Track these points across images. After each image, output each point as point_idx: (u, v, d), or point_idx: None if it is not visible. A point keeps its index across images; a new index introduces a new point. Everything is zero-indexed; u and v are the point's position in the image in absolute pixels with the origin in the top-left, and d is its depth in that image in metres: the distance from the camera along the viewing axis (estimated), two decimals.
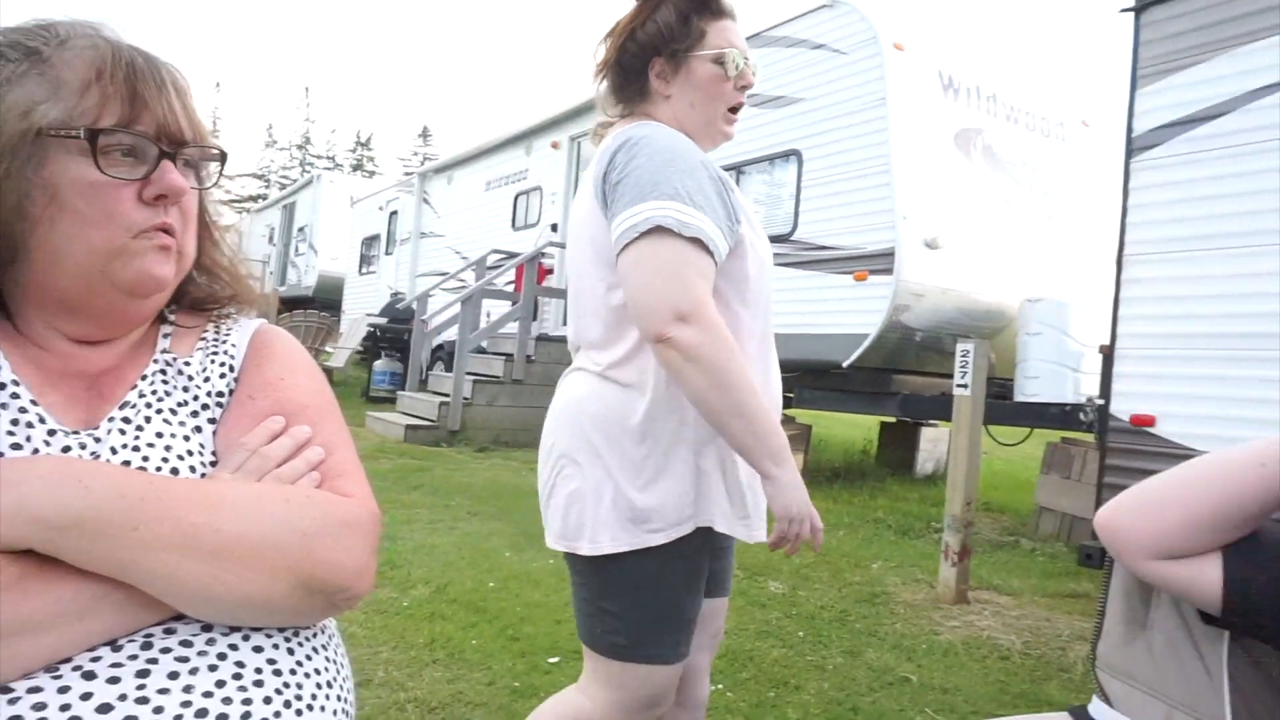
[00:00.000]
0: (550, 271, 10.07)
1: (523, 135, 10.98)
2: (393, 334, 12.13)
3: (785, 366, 6.19)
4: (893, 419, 8.59)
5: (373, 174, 54.25)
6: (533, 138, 10.81)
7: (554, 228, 10.06)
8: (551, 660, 3.10)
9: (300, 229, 18.79)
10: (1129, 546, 0.98)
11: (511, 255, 10.16)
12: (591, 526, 1.32)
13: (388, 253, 14.86)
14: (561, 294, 9.78)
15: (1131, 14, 4.01)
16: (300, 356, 0.94)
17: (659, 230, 1.22)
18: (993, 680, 3.18)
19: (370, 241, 15.74)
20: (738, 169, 7.50)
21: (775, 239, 7.08)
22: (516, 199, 11.07)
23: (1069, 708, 1.07)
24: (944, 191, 6.18)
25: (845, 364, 6.32)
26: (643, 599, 1.34)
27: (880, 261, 6.09)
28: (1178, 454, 3.67)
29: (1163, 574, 0.96)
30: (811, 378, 7.20)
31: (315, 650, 0.81)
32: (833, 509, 6.43)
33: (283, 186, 44.19)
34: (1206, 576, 0.93)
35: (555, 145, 10.29)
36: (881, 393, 6.92)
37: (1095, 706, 1.03)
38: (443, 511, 5.46)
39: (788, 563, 4.75)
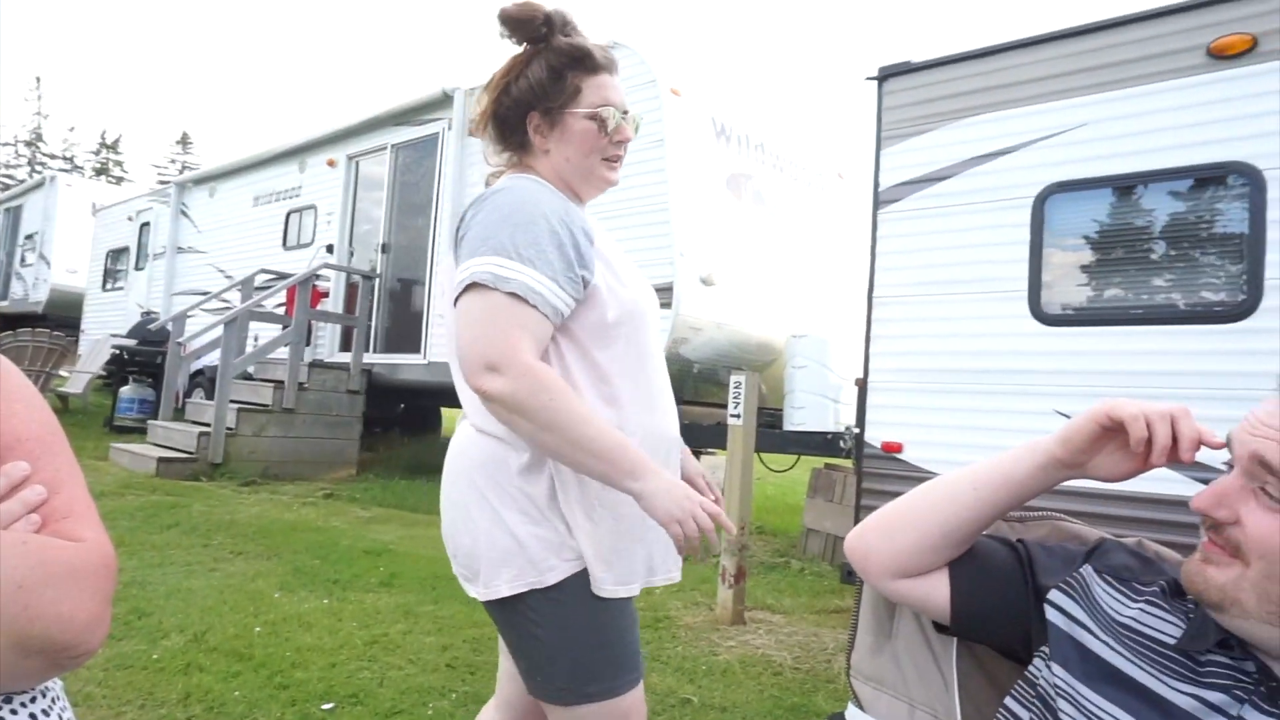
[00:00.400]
0: (325, 295, 9.58)
1: (297, 150, 10.40)
2: (143, 357, 10.97)
3: None
4: None
5: (120, 180, 49.15)
6: (307, 154, 10.27)
7: (329, 249, 9.60)
8: (325, 707, 2.92)
9: (28, 236, 16.61)
10: (872, 567, 1.08)
11: (283, 276, 9.56)
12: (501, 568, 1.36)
13: (138, 268, 13.47)
14: (338, 318, 9.33)
15: (875, 83, 4.50)
16: (16, 381, 0.84)
17: (475, 286, 1.27)
18: (768, 696, 3.38)
19: (117, 255, 14.20)
20: None
21: None
22: (289, 217, 10.45)
23: (829, 715, 1.17)
24: (717, 231, 6.55)
25: None
26: (582, 634, 1.37)
27: (659, 296, 6.33)
28: (922, 477, 4.11)
29: (902, 591, 1.07)
30: None
31: (33, 717, 0.73)
32: None
33: (5, 187, 38.90)
34: (938, 591, 1.05)
35: (332, 163, 9.83)
36: None
37: (851, 712, 1.14)
38: (201, 552, 5.00)
39: None
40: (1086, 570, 0.97)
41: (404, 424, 11.22)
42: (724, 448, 4.65)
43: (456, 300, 1.31)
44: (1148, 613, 0.90)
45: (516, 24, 1.42)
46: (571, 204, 1.44)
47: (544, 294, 1.28)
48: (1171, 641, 0.86)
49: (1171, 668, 0.84)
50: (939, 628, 1.10)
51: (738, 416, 4.46)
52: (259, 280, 9.61)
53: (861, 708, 1.13)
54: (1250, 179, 3.49)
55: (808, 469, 6.86)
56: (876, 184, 4.44)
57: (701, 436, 7.25)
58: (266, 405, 8.35)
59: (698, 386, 6.62)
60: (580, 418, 1.24)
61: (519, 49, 1.46)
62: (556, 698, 1.36)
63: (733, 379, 4.54)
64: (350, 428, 8.78)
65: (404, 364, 8.71)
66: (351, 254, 9.66)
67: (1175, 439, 0.86)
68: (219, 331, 8.46)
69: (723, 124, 6.79)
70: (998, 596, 1.02)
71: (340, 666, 3.31)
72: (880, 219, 4.42)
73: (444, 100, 8.36)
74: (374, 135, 9.35)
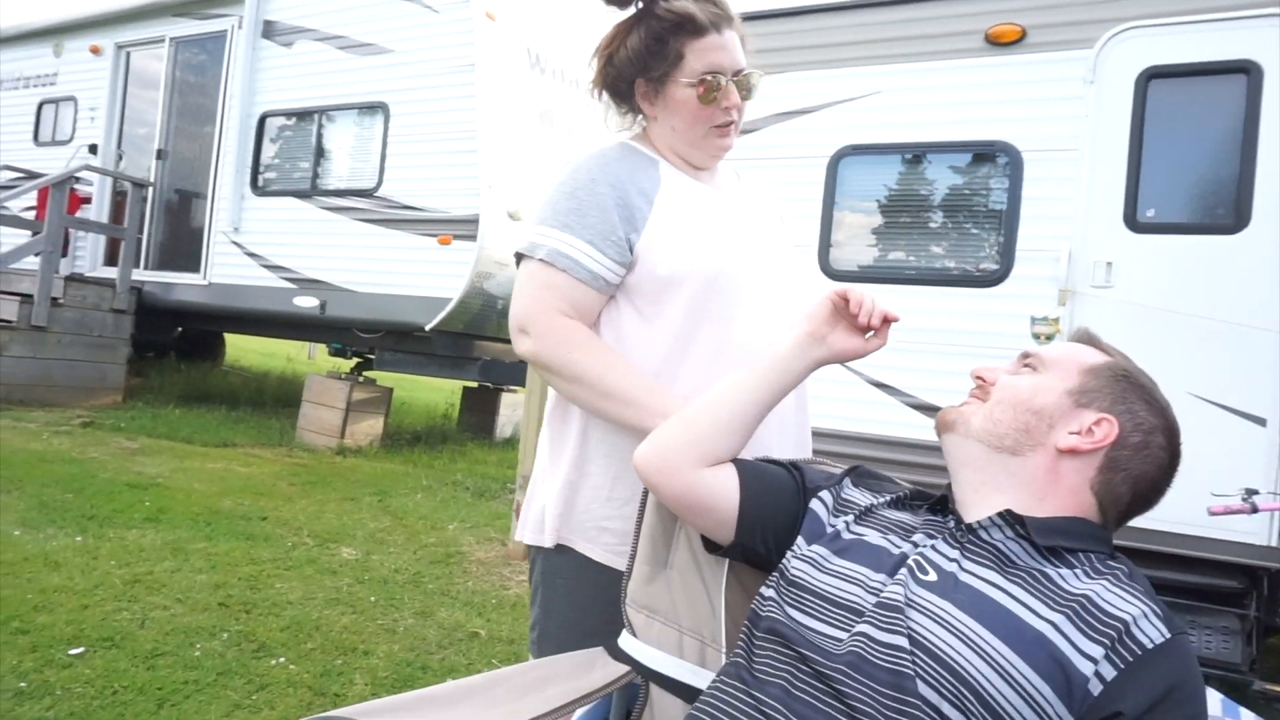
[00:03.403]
0: (87, 201, 8.53)
1: (53, 30, 9.07)
2: None
3: (366, 327, 5.95)
4: (474, 384, 8.80)
5: None
6: (66, 36, 8.98)
7: (93, 149, 8.54)
8: (74, 652, 2.68)
9: None
10: (670, 460, 1.14)
11: (33, 175, 8.41)
12: None
13: None
14: (102, 228, 8.36)
15: None
16: None
17: (520, 257, 1.36)
18: None
19: None
20: (321, 113, 7.07)
21: (359, 194, 6.81)
22: (41, 108, 9.16)
23: (604, 644, 1.21)
24: (528, 164, 6.43)
25: (428, 328, 6.32)
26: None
27: (464, 227, 6.17)
28: None
29: (699, 488, 1.13)
30: (393, 340, 7.07)
31: None
32: (412, 473, 6.42)
33: None
34: (729, 488, 1.13)
35: (96, 50, 8.68)
36: (464, 358, 7.05)
37: (624, 639, 1.18)
38: None
39: (362, 528, 4.65)
40: (846, 481, 1.16)
41: (181, 349, 10.31)
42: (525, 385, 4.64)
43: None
44: (888, 504, 1.11)
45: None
46: (640, 166, 1.37)
47: (575, 258, 1.29)
48: (905, 519, 1.07)
49: (898, 530, 1.05)
50: (711, 547, 1.17)
51: None
52: (2, 178, 8.40)
53: (635, 635, 1.17)
54: (1012, 158, 3.86)
55: None
56: None
57: (505, 373, 7.21)
58: (10, 321, 7.37)
59: (501, 322, 6.54)
60: (605, 367, 1.26)
61: (623, 15, 1.39)
62: None
63: None
64: (115, 350, 7.95)
65: (181, 283, 7.98)
66: (120, 157, 8.65)
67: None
68: None
69: (538, 54, 6.62)
70: (776, 501, 1.13)
71: (94, 609, 3.05)
72: None
73: None
74: (150, 24, 8.34)
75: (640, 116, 1.45)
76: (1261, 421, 3.33)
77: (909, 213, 4.16)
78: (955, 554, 0.96)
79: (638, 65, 1.36)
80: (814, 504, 1.10)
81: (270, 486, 5.36)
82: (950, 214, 4.08)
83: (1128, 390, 1.01)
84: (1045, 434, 1.00)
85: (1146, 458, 0.99)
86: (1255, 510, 2.55)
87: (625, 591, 1.19)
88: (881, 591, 0.94)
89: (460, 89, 6.19)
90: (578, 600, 1.35)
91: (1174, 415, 1.02)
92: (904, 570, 0.95)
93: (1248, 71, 3.47)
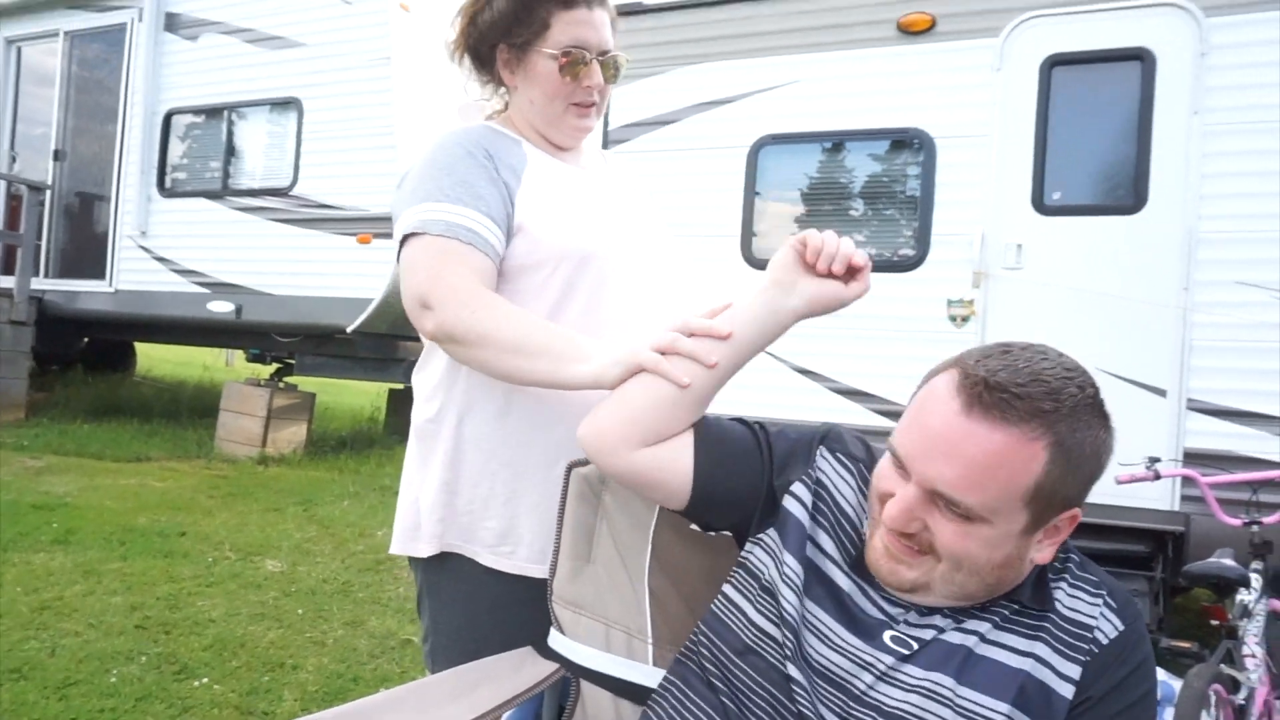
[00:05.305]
0: None
1: None
2: None
3: (285, 331, 5.77)
4: (400, 386, 8.62)
5: None
6: None
7: None
8: None
9: None
10: (609, 439, 1.08)
11: None
12: None
13: None
14: None
15: None
16: None
17: (408, 238, 1.24)
18: None
19: None
20: (231, 109, 6.83)
21: (273, 193, 6.61)
22: None
23: (532, 644, 1.19)
24: None
25: (350, 329, 6.17)
26: None
27: (384, 225, 6.02)
28: None
29: (641, 465, 1.07)
30: (314, 344, 6.88)
31: None
32: (338, 480, 6.27)
33: None
34: (680, 463, 1.07)
35: None
36: (388, 359, 6.90)
37: (553, 637, 1.17)
38: None
39: (287, 539, 4.52)
40: (821, 452, 1.07)
41: (89, 361, 9.84)
42: None
43: (400, 260, 1.26)
44: (864, 505, 1.01)
45: None
46: (505, 144, 1.32)
47: (474, 229, 1.21)
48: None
49: (864, 566, 0.97)
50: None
51: None
52: None
53: (563, 632, 1.16)
54: (925, 145, 3.95)
55: None
56: (606, 123, 4.49)
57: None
58: None
59: None
60: (511, 321, 1.16)
61: None
62: None
63: None
64: (15, 364, 7.53)
65: (85, 291, 7.61)
66: (14, 159, 8.20)
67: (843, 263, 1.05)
68: None
69: None
70: (736, 479, 1.07)
71: (0, 638, 2.89)
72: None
73: None
74: (41, 17, 7.91)
75: (501, 89, 1.40)
76: (1162, 393, 3.49)
77: (829, 200, 4.23)
78: (932, 621, 0.93)
79: (501, 29, 1.32)
80: (791, 504, 1.03)
81: (189, 500, 5.17)
82: (869, 200, 4.16)
83: (1068, 443, 0.85)
84: (1022, 565, 0.91)
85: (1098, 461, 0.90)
86: (1158, 477, 2.68)
87: (550, 589, 1.17)
88: (871, 669, 0.91)
89: (376, 82, 6.04)
90: (467, 608, 1.28)
91: (1080, 381, 0.89)
92: (886, 642, 0.92)
93: (1142, 58, 3.62)
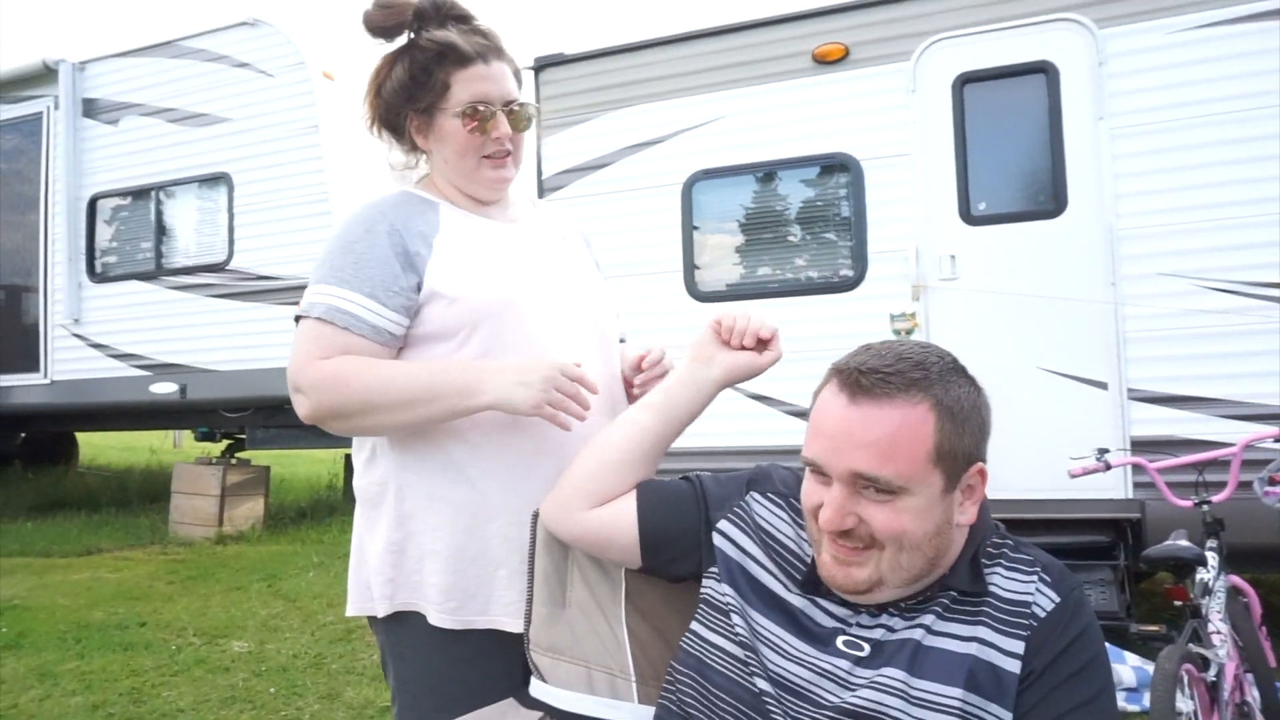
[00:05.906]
0: None
1: None
2: None
3: (233, 406, 5.66)
4: None
5: None
6: None
7: None
8: None
9: None
10: (562, 501, 1.17)
11: None
12: None
13: None
14: None
15: (532, 73, 4.59)
16: None
17: (299, 319, 1.29)
18: None
19: None
20: (159, 189, 6.75)
21: (209, 269, 6.52)
22: None
23: (514, 695, 1.19)
24: None
25: None
26: None
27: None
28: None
29: (593, 525, 1.15)
30: (264, 416, 6.75)
31: None
32: (300, 551, 6.13)
33: None
34: (625, 516, 1.14)
35: None
36: None
37: (534, 685, 1.17)
38: None
39: (252, 617, 4.40)
40: (750, 496, 1.14)
41: (27, 456, 9.50)
42: None
43: None
44: (800, 534, 1.07)
45: (381, 30, 1.33)
46: (417, 210, 1.34)
47: (354, 313, 1.24)
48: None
49: (811, 584, 1.03)
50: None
51: None
52: None
53: (544, 679, 1.16)
54: (853, 168, 4.07)
55: None
56: (539, 172, 4.54)
57: None
58: None
59: None
60: (387, 379, 1.21)
61: (392, 47, 1.37)
62: None
63: None
64: None
65: (19, 385, 7.37)
66: None
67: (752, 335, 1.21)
68: None
69: None
70: (678, 520, 1.14)
71: None
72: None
73: (46, 75, 7.14)
74: None
75: (422, 155, 1.44)
76: (1103, 385, 3.61)
77: (766, 229, 4.32)
78: (881, 621, 0.98)
79: (404, 96, 1.35)
80: (720, 541, 1.09)
81: (146, 589, 5.00)
82: (805, 226, 4.27)
83: (946, 402, 0.94)
84: (952, 530, 0.97)
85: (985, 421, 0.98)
86: (1109, 467, 2.76)
87: (527, 639, 1.17)
88: (829, 675, 0.96)
89: (306, 151, 6.03)
90: (430, 668, 1.28)
91: (938, 352, 0.99)
92: (840, 647, 0.98)
93: (1046, 71, 3.80)
